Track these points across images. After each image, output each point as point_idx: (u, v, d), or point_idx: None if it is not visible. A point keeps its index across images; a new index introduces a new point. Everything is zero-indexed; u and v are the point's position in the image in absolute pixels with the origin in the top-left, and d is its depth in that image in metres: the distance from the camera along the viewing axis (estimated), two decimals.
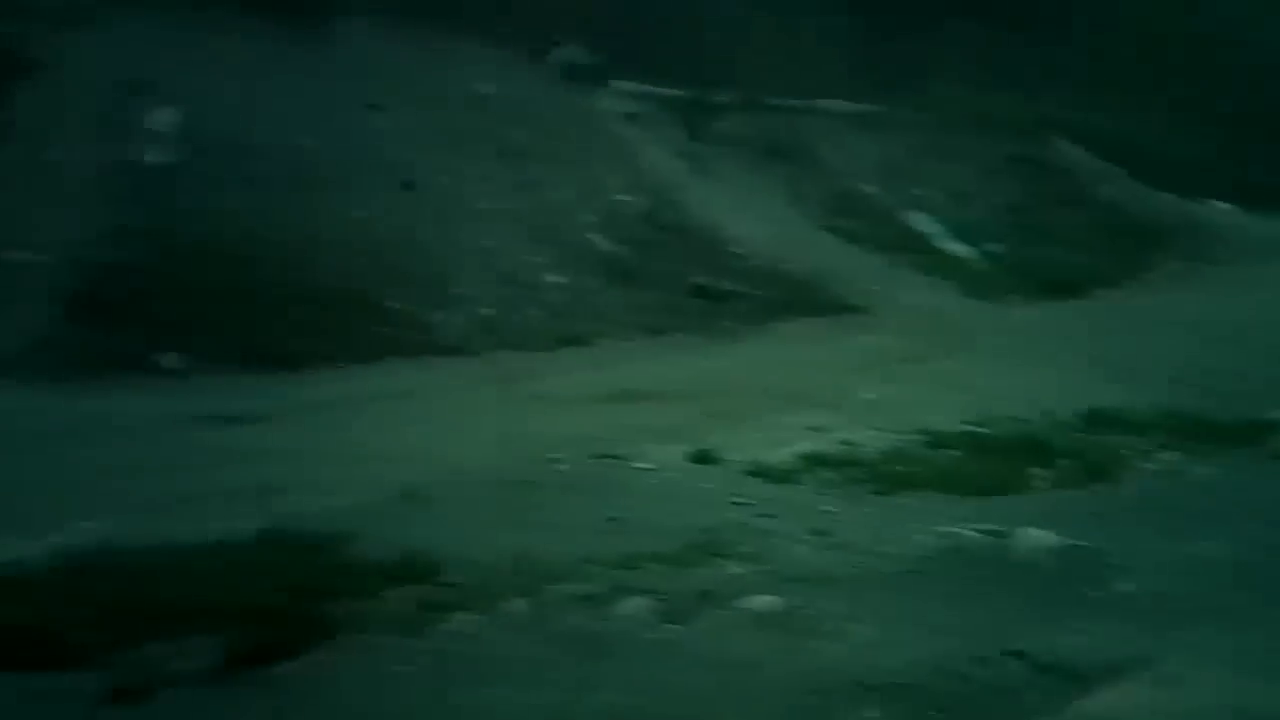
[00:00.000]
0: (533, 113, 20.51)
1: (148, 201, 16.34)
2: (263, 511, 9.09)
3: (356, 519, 9.15)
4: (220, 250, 15.68)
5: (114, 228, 15.76)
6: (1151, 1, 29.91)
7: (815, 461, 10.78)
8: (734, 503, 9.39)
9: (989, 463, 10.58)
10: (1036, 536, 5.72)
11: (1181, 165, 25.85)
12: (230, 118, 17.72)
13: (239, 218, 16.25)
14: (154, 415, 12.10)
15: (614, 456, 10.98)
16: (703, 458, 10.86)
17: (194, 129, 17.47)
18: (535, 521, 8.95)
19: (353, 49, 20.03)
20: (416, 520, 9.32)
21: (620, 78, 22.84)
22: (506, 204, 18.78)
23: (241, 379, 13.87)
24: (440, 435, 11.91)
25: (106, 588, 6.94)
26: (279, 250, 16.05)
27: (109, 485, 9.87)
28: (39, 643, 6.13)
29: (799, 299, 18.26)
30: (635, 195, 19.94)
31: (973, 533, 6.02)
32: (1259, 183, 26.38)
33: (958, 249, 20.76)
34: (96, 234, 15.64)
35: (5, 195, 16.01)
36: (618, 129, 21.16)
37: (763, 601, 5.57)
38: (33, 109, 17.48)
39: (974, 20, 25.81)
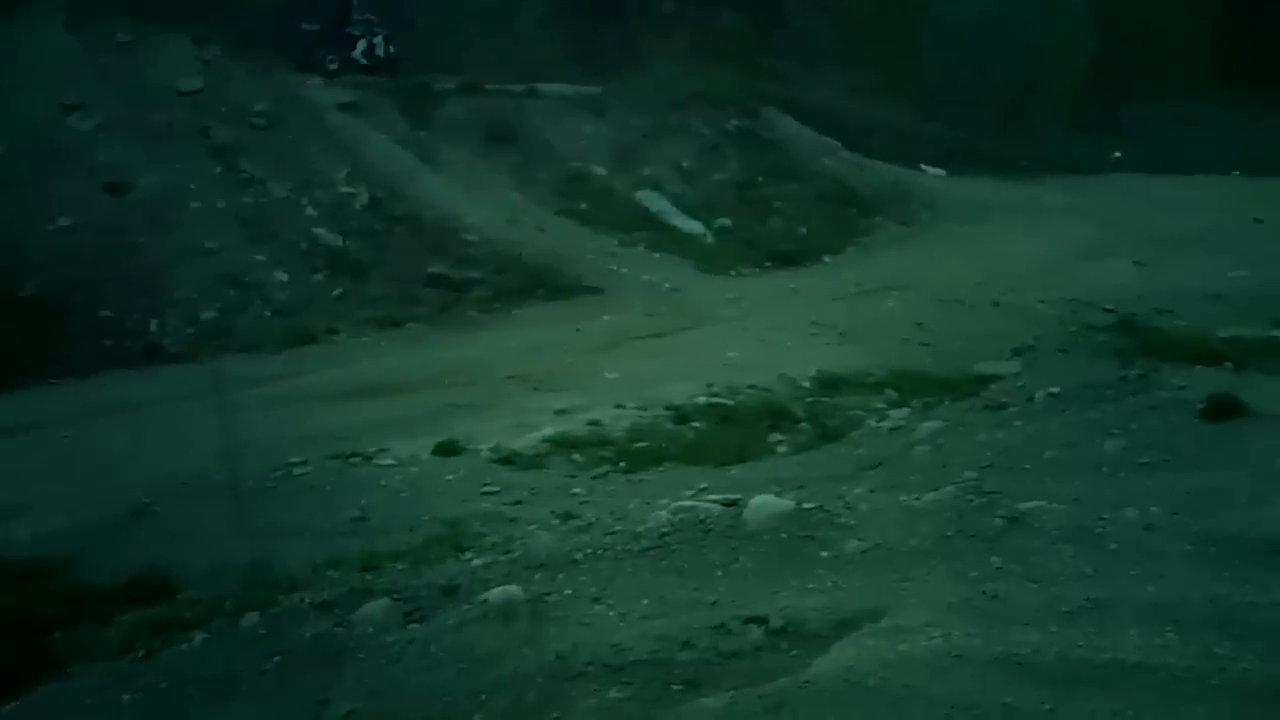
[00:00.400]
0: (242, 107, 19.68)
1: None
2: None
3: (81, 540, 8.66)
4: None
5: None
6: None
7: (563, 444, 10.80)
8: (481, 493, 9.30)
9: (730, 432, 10.84)
10: (770, 503, 5.85)
11: (892, 133, 27.20)
12: None
13: None
14: None
15: (356, 455, 10.69)
16: (448, 449, 10.70)
17: None
18: (274, 529, 8.62)
19: (40, 46, 18.71)
20: (146, 538, 8.88)
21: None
22: (222, 202, 17.98)
23: None
24: (167, 447, 11.34)
25: None
26: None
27: None
28: None
29: (536, 283, 18.22)
30: (358, 186, 19.43)
31: (710, 504, 6.11)
32: (962, 147, 28.08)
33: (688, 225, 21.17)
34: None
35: None
36: (335, 119, 20.54)
37: (506, 591, 5.48)
38: None
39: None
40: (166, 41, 20.65)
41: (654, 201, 21.74)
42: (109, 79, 19.33)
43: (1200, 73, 28.35)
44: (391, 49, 23.51)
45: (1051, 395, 8.99)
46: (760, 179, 23.04)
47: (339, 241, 17.92)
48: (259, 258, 17.18)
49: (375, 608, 5.71)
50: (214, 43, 21.02)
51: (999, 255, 19.57)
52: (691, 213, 21.60)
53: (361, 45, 23.19)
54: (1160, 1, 30.29)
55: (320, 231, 18.14)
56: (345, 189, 19.38)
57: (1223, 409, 7.54)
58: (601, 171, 22.18)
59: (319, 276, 16.89)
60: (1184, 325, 12.26)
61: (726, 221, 21.50)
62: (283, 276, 16.96)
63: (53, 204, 16.50)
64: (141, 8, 20.21)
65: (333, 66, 22.58)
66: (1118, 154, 28.25)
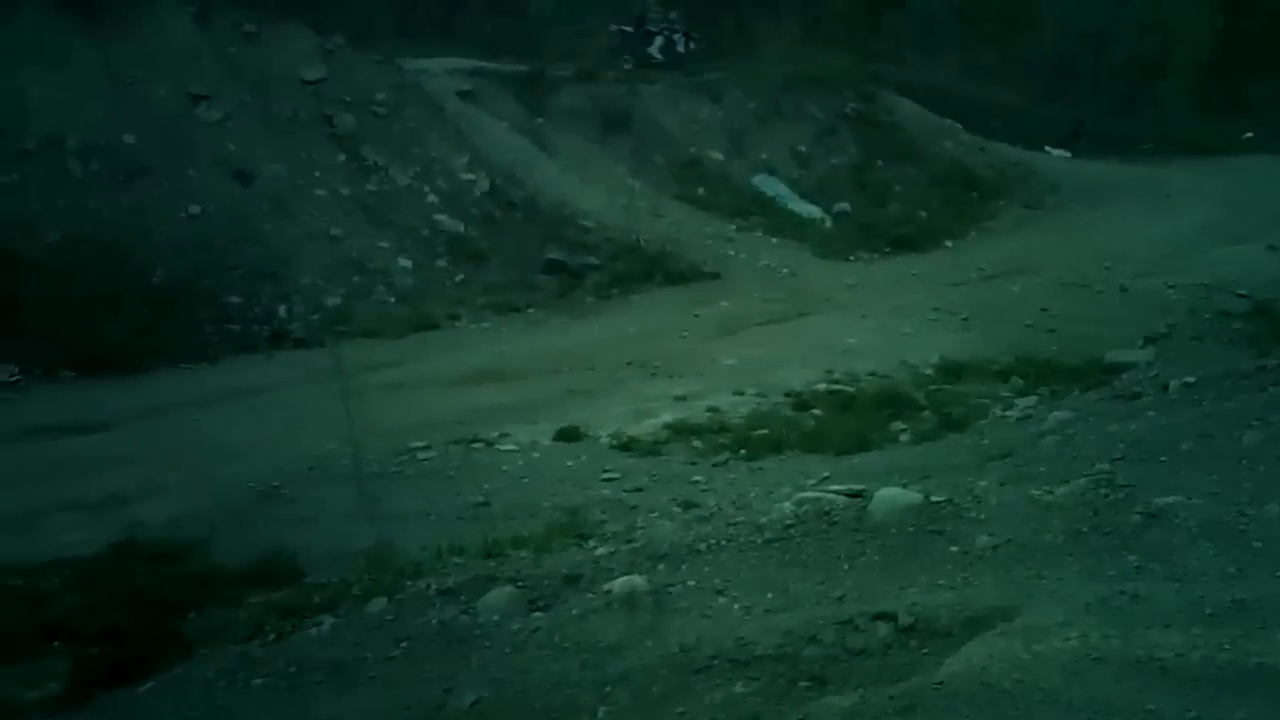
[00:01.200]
0: (364, 96, 20.00)
1: None
2: (111, 523, 8.73)
3: (211, 524, 8.87)
4: (47, 256, 14.97)
5: None
6: None
7: (681, 431, 10.77)
8: (602, 479, 9.31)
9: (851, 420, 10.70)
10: (896, 495, 5.71)
11: (1013, 115, 26.63)
12: (45, 118, 16.87)
13: (64, 221, 15.52)
14: None
15: (478, 440, 10.80)
16: (568, 435, 10.76)
17: (6, 132, 16.59)
18: (397, 513, 8.75)
19: (169, 39, 19.22)
20: (274, 521, 9.06)
21: (450, 54, 22.44)
22: (347, 190, 18.29)
23: (81, 386, 13.30)
24: (294, 431, 11.57)
25: None
26: (109, 252, 15.38)
27: None
28: None
29: (653, 269, 18.23)
30: (478, 173, 19.62)
31: (834, 494, 6.00)
32: (1086, 128, 27.35)
33: (805, 210, 20.95)
34: None
35: None
36: (454, 107, 20.75)
37: (629, 582, 5.45)
38: None
39: None
40: (290, 31, 21.03)
41: (770, 186, 21.57)
42: (235, 69, 19.76)
43: None
44: (691, 45, 24.51)
45: (1186, 385, 8.68)
46: (879, 162, 22.74)
47: (460, 228, 18.11)
48: (382, 244, 17.46)
49: (499, 595, 5.72)
50: (335, 32, 21.39)
51: (1126, 239, 19.00)
52: (809, 197, 21.38)
53: (659, 42, 24.01)
54: None
55: (441, 218, 18.38)
56: (464, 176, 19.58)
57: None
58: (717, 156, 22.08)
59: (441, 263, 17.11)
60: None
61: (845, 206, 21.25)
62: (405, 263, 17.22)
63: (182, 192, 16.93)
64: None
65: (627, 66, 23.45)
66: (1249, 134, 27.26)
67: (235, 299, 15.60)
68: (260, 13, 20.78)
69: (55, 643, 6.54)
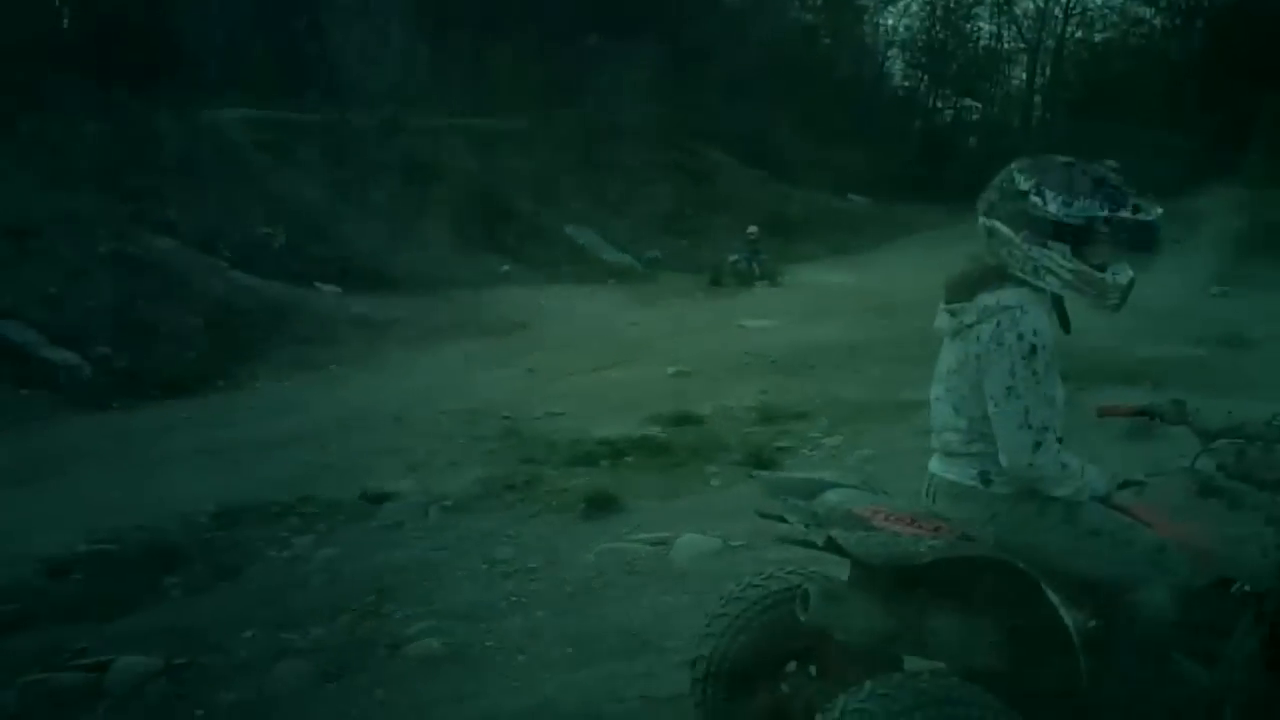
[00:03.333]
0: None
1: None
2: None
3: None
4: None
5: None
6: (766, 20, 31.50)
7: (494, 485, 10.32)
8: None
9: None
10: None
11: (815, 164, 27.38)
12: None
13: None
14: None
15: None
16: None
17: None
18: None
19: None
20: None
21: (247, 106, 21.78)
22: (131, 248, 17.32)
23: None
24: None
25: None
26: None
27: None
28: None
29: (465, 319, 17.85)
30: (274, 227, 18.91)
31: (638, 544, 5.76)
32: (883, 175, 28.30)
33: (618, 258, 20.98)
34: None
35: None
36: (251, 158, 20.07)
37: (425, 645, 5.10)
38: None
39: (614, 37, 26.19)
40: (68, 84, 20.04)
41: (582, 235, 21.56)
42: None
43: None
44: None
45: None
46: (689, 210, 22.88)
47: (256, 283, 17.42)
48: None
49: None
50: (120, 80, 20.47)
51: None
52: (621, 246, 21.43)
53: None
54: None
55: (236, 274, 17.66)
56: (263, 229, 18.93)
57: None
58: (529, 206, 21.93)
59: None
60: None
61: (655, 253, 21.37)
62: None
63: None
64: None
65: None
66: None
67: None
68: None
69: None
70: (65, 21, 23.29)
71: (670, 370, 13.50)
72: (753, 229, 20.51)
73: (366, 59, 23.73)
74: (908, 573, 2.98)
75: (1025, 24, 39.80)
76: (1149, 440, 3.62)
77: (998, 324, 3.00)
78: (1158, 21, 38.13)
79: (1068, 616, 2.90)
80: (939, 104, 40.50)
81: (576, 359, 15.01)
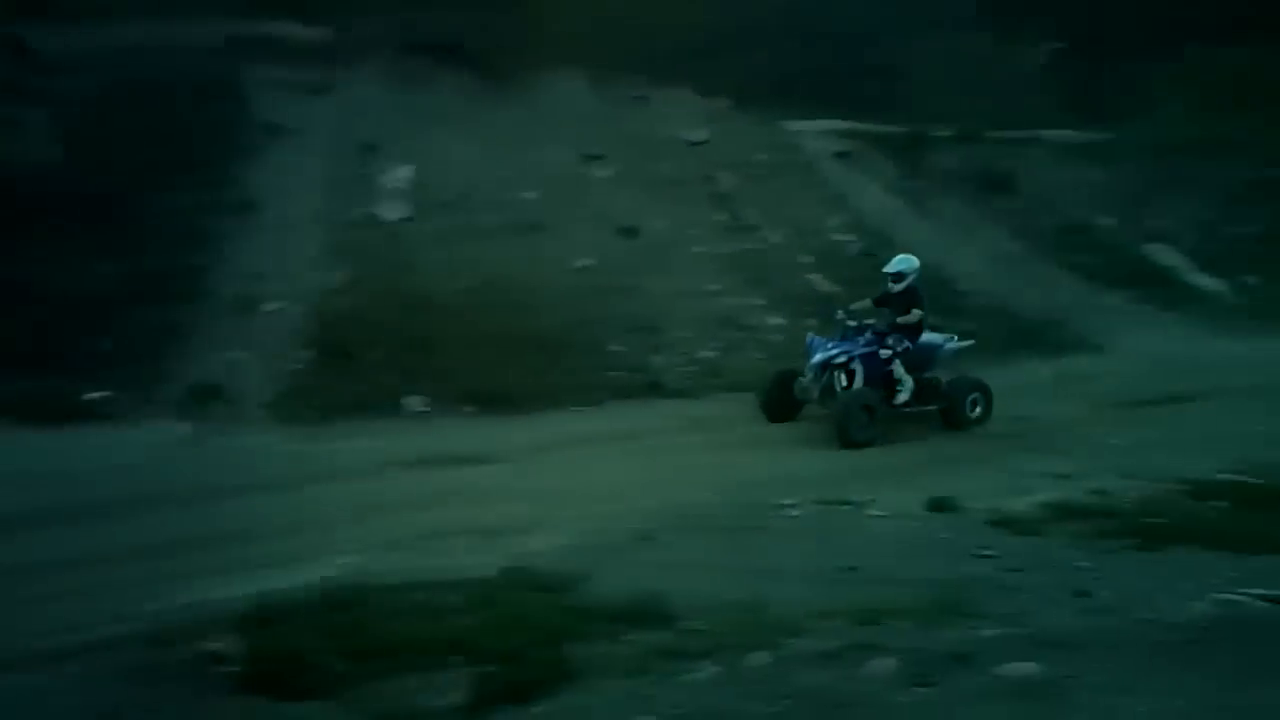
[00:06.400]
0: (743, 158, 20.50)
1: (384, 254, 17.14)
2: (502, 550, 9.22)
3: (590, 560, 9.16)
4: (456, 300, 16.23)
5: (354, 279, 16.53)
6: None
7: (1063, 512, 10.20)
8: (978, 555, 8.96)
9: (1260, 516, 9.76)
10: None
11: None
12: (455, 174, 18.49)
13: (468, 268, 16.79)
14: (395, 456, 12.50)
15: (845, 502, 10.68)
16: (940, 505, 10.44)
17: (424, 186, 18.32)
18: (767, 569, 8.75)
19: (565, 103, 20.57)
20: (648, 563, 9.26)
21: (828, 116, 22.62)
22: (723, 248, 18.78)
23: (478, 421, 14.23)
24: (667, 477, 11.88)
25: (359, 621, 7.15)
26: (506, 297, 16.47)
27: (359, 522, 10.23)
28: (296, 672, 6.34)
29: (1030, 337, 17.54)
30: (852, 235, 19.64)
31: (1252, 598, 5.48)
32: None
33: (1205, 282, 19.55)
34: (338, 285, 16.44)
35: (257, 249, 16.97)
36: (829, 168, 20.91)
37: (1021, 668, 5.20)
38: (281, 170, 18.60)
39: (1198, 41, 24.33)
40: (677, 95, 22.01)
41: (1164, 255, 20.31)
42: (624, 131, 20.89)
43: None
44: None
45: None
46: None
47: (831, 289, 18.13)
48: (756, 302, 17.76)
49: (882, 665, 5.62)
50: (719, 95, 22.12)
51: None
52: (1209, 269, 19.94)
53: None
54: None
55: (814, 278, 18.50)
56: (838, 237, 19.67)
57: None
58: (1105, 222, 21.04)
59: (812, 322, 17.18)
60: None
61: (1251, 279, 19.64)
62: (778, 320, 17.42)
63: (571, 246, 17.98)
64: (654, 64, 21.68)
65: None
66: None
67: (616, 347, 16.28)
68: (649, 78, 21.85)
69: (454, 657, 6.93)
70: None
71: None
72: None
73: (944, 71, 23.91)
74: None
75: None
76: None
77: None
78: None
79: None
80: None
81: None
